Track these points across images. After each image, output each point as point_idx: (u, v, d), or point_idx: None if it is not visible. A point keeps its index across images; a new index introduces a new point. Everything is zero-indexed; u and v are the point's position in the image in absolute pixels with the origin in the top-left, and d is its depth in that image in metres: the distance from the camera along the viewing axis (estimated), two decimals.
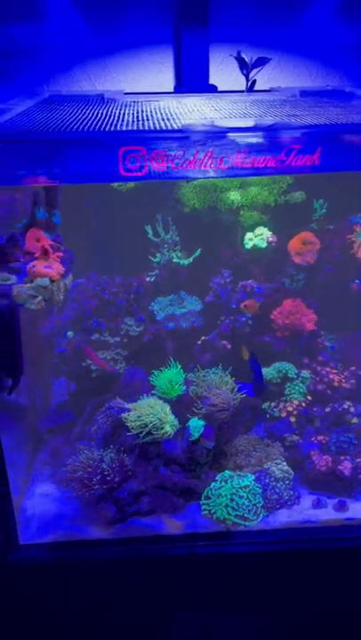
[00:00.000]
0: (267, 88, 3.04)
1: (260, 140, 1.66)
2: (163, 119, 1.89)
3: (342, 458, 2.37)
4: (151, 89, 3.06)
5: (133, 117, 1.96)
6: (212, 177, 1.66)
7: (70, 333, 2.48)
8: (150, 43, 3.05)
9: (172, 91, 3.11)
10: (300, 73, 3.16)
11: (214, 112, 2.11)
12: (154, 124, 1.79)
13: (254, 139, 1.67)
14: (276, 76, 3.14)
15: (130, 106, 2.43)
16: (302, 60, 3.16)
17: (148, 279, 2.68)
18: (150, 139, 1.64)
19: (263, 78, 3.03)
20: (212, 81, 3.05)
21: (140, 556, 2.20)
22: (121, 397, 2.39)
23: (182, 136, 1.66)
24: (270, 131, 1.70)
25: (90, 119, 1.94)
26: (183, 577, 2.21)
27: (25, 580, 2.20)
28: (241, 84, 2.90)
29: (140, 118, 1.94)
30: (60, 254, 1.94)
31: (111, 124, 1.80)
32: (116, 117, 1.97)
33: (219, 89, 2.95)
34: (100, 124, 1.83)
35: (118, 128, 1.76)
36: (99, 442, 2.37)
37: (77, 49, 3.02)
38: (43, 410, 2.73)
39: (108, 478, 2.21)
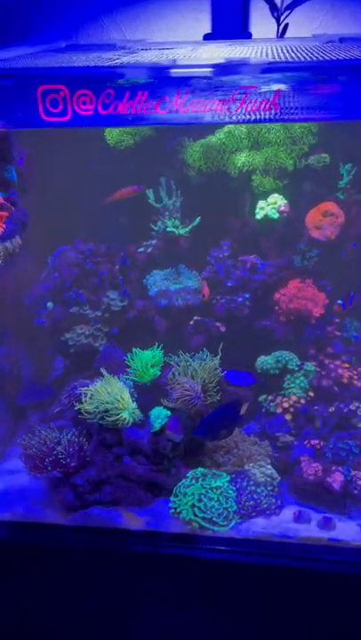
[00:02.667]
0: (310, 35, 2.67)
1: (207, 79, 1.35)
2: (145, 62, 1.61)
3: (334, 468, 2.03)
4: (188, 38, 2.78)
5: (113, 63, 1.70)
6: (146, 124, 1.38)
7: (50, 304, 2.30)
8: None
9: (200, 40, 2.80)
10: (356, 19, 2.73)
11: (209, 55, 1.80)
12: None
13: (202, 77, 1.36)
14: (330, 23, 2.73)
15: (133, 53, 2.17)
16: (359, 4, 2.73)
17: (140, 250, 2.42)
18: (73, 76, 1.38)
19: (314, 24, 2.66)
20: (254, 29, 2.71)
21: (94, 547, 2.04)
22: (98, 377, 2.19)
23: (112, 72, 1.38)
24: (225, 67, 1.38)
25: (57, 62, 1.70)
26: (139, 575, 2.03)
27: None
28: (295, 31, 2.54)
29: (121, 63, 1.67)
30: (4, 214, 1.75)
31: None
32: (89, 61, 1.71)
33: (262, 37, 2.59)
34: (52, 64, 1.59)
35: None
36: (66, 423, 2.20)
37: None
38: (27, 383, 2.60)
39: (63, 462, 2.03)
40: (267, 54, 1.79)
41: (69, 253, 2.34)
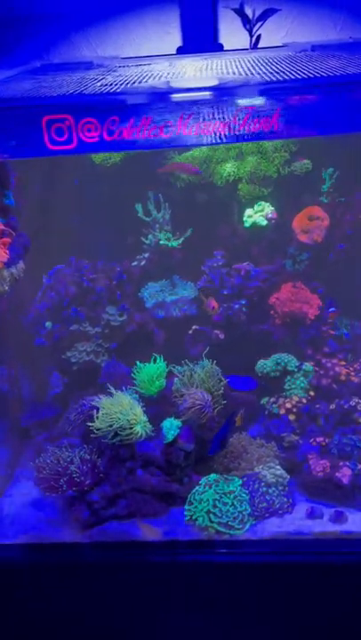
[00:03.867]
0: (281, 44, 2.74)
1: (209, 101, 1.40)
2: (127, 83, 1.65)
3: (341, 464, 2.10)
4: (158, 52, 2.82)
5: (100, 84, 1.73)
6: (150, 148, 1.42)
7: (49, 324, 2.32)
8: (154, 2, 2.79)
9: (174, 53, 2.85)
10: (324, 25, 2.81)
11: (197, 71, 1.85)
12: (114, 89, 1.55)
13: (203, 100, 1.41)
14: (296, 31, 2.80)
15: (113, 71, 2.20)
16: (325, 11, 2.81)
17: (134, 264, 2.46)
18: (77, 105, 1.42)
19: (281, 33, 2.74)
20: (223, 40, 2.76)
21: (115, 562, 2.06)
22: (102, 393, 2.21)
23: (116, 99, 1.42)
24: (223, 90, 1.43)
25: (50, 87, 1.72)
26: (161, 584, 2.05)
27: None
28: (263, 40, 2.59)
29: (107, 84, 1.70)
30: (7, 240, 1.77)
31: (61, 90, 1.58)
32: (80, 84, 1.74)
33: (232, 47, 2.67)
34: (52, 91, 1.61)
35: (66, 93, 1.54)
36: (75, 440, 2.22)
37: (78, 15, 2.83)
38: (30, 403, 2.60)
39: (78, 480, 2.06)
40: (248, 68, 1.85)
41: (65, 271, 2.36)
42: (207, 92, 1.42)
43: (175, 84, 1.55)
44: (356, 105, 1.35)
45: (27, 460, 2.44)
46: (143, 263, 2.49)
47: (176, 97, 1.42)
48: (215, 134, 1.41)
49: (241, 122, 1.39)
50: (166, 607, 2.08)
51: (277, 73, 1.61)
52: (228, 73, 1.69)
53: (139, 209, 2.50)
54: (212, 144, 1.40)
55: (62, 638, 2.14)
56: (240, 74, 1.71)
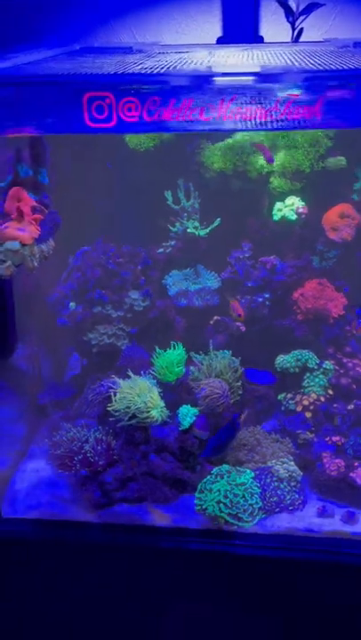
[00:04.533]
0: (321, 40, 2.71)
1: (250, 87, 1.39)
2: (167, 68, 1.65)
3: (357, 464, 2.08)
4: (197, 41, 2.82)
5: (142, 67, 1.73)
6: (192, 130, 1.41)
7: (72, 304, 2.33)
8: None
9: (213, 43, 2.84)
10: None
11: (237, 61, 1.83)
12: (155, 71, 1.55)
13: (244, 85, 1.40)
14: (339, 27, 2.78)
15: (151, 57, 2.20)
16: None
17: (160, 251, 2.46)
18: (119, 83, 1.41)
19: (323, 29, 2.73)
20: (263, 32, 2.75)
21: (123, 544, 2.09)
22: (120, 376, 2.22)
23: (158, 80, 1.42)
24: (266, 76, 1.42)
25: (91, 68, 1.72)
26: (167, 570, 2.08)
27: (5, 555, 2.13)
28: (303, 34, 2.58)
29: (146, 67, 1.70)
30: (39, 216, 1.78)
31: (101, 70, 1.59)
32: (119, 66, 1.75)
33: (268, 41, 2.66)
34: (93, 71, 1.62)
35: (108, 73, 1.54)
36: (91, 421, 2.23)
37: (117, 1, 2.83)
38: (48, 382, 2.63)
39: (92, 460, 2.07)
40: (290, 59, 1.84)
41: (92, 254, 2.37)
42: (250, 77, 1.41)
43: (217, 70, 1.54)
44: None
45: (41, 438, 2.47)
46: (169, 250, 2.48)
47: (218, 81, 1.41)
48: (256, 120, 1.40)
49: (283, 109, 1.38)
50: (171, 593, 2.10)
51: (320, 65, 1.60)
52: (269, 62, 1.68)
53: (168, 196, 2.50)
54: (252, 130, 1.39)
55: (66, 615, 2.17)
56: (282, 64, 1.71)
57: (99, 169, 2.51)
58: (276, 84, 1.40)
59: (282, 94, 1.38)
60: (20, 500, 2.22)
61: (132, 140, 2.46)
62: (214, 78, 1.42)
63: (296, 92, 1.38)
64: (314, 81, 1.38)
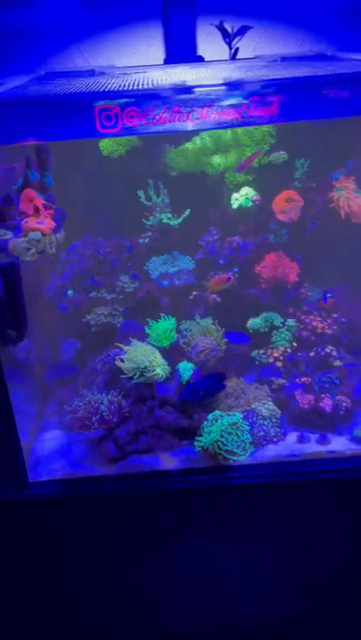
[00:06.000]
0: (252, 56, 3.18)
1: (222, 94, 1.83)
2: (144, 84, 2.07)
3: (323, 396, 2.54)
4: (143, 63, 3.21)
5: (119, 84, 2.14)
6: (182, 130, 1.84)
7: (70, 292, 2.69)
8: (141, 18, 3.18)
9: (161, 63, 3.25)
10: (287, 41, 3.26)
11: (195, 77, 2.28)
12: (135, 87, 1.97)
13: (217, 93, 1.84)
14: (264, 45, 3.23)
15: (118, 77, 2.60)
16: (288, 28, 3.26)
17: (140, 240, 2.87)
18: (122, 97, 1.82)
19: (250, 47, 3.15)
20: (200, 52, 3.20)
21: (139, 491, 2.36)
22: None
23: (152, 93, 1.84)
24: (231, 85, 1.87)
25: (79, 87, 2.12)
26: (179, 508, 2.39)
27: (35, 516, 2.38)
28: (228, 54, 3.04)
29: (125, 85, 2.12)
30: (52, 212, 2.14)
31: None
32: (102, 85, 2.15)
33: (206, 59, 3.09)
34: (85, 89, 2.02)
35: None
36: (100, 387, 2.58)
37: (72, 28, 3.18)
38: (49, 366, 2.95)
39: (107, 419, 2.42)
40: (240, 72, 2.30)
41: (83, 247, 2.75)
42: (223, 87, 1.85)
43: (192, 83, 1.97)
44: (337, 98, 1.82)
45: (49, 414, 2.79)
46: (147, 241, 2.89)
47: (198, 90, 1.85)
48: (230, 120, 1.84)
49: (249, 109, 1.83)
50: (184, 528, 2.39)
51: (265, 75, 2.07)
52: (229, 76, 2.14)
53: (141, 195, 2.91)
54: (228, 127, 1.82)
55: (92, 564, 2.44)
56: (237, 76, 2.17)
57: (79, 175, 2.89)
58: (242, 90, 1.85)
59: (248, 97, 1.83)
60: (42, 465, 2.49)
61: (107, 147, 2.85)
62: (195, 89, 1.85)
63: (259, 94, 1.83)
64: (270, 86, 1.84)
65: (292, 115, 1.86)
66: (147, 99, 1.82)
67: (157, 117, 1.83)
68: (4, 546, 2.38)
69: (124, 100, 1.81)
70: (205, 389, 2.46)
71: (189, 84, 2.00)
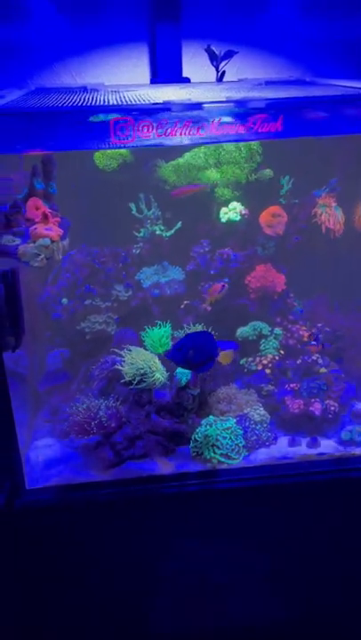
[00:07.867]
0: (235, 79, 3.33)
1: (232, 110, 1.95)
2: (144, 100, 2.16)
3: (313, 400, 2.66)
4: (128, 82, 3.31)
5: (118, 100, 2.23)
6: (191, 143, 1.94)
7: (65, 300, 2.73)
8: (127, 38, 3.28)
9: (147, 83, 3.35)
10: (266, 66, 3.44)
11: (190, 95, 2.39)
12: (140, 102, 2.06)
13: (226, 109, 1.96)
14: (245, 69, 3.40)
15: (112, 93, 2.69)
16: (268, 54, 3.44)
17: (134, 250, 2.94)
18: (137, 110, 1.91)
19: (232, 71, 3.29)
20: (184, 74, 3.32)
21: (137, 496, 2.38)
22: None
23: (165, 107, 1.93)
24: (240, 102, 1.99)
25: (79, 102, 2.20)
26: (175, 511, 2.42)
27: (32, 523, 2.36)
28: (211, 76, 3.17)
29: (124, 101, 2.21)
30: (57, 219, 2.20)
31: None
32: (103, 100, 2.23)
33: (191, 81, 3.22)
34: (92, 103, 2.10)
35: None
36: (96, 394, 2.61)
37: (58, 46, 3.26)
38: (39, 375, 2.96)
39: (105, 424, 2.46)
40: (236, 93, 2.43)
41: (78, 256, 2.80)
42: (230, 104, 1.97)
43: (199, 100, 2.08)
44: (340, 116, 1.97)
45: (40, 422, 2.80)
46: (139, 251, 2.97)
47: (207, 106, 1.96)
48: (237, 134, 1.96)
49: (255, 125, 1.95)
50: (179, 531, 2.43)
51: (258, 96, 2.20)
52: (229, 96, 2.26)
53: (133, 207, 2.99)
54: (233, 141, 1.93)
55: (91, 569, 2.44)
56: (237, 96, 2.29)
57: (73, 188, 2.95)
58: (248, 107, 1.97)
59: (254, 114, 1.95)
60: (39, 471, 2.49)
61: (100, 161, 2.93)
62: (204, 105, 1.96)
63: (264, 112, 1.96)
64: (275, 105, 1.97)
65: (295, 131, 1.99)
66: (160, 112, 1.91)
67: (169, 130, 1.93)
68: (2, 551, 2.36)
69: (139, 113, 1.89)
70: (196, 349, 2.35)
71: (195, 100, 2.12)
